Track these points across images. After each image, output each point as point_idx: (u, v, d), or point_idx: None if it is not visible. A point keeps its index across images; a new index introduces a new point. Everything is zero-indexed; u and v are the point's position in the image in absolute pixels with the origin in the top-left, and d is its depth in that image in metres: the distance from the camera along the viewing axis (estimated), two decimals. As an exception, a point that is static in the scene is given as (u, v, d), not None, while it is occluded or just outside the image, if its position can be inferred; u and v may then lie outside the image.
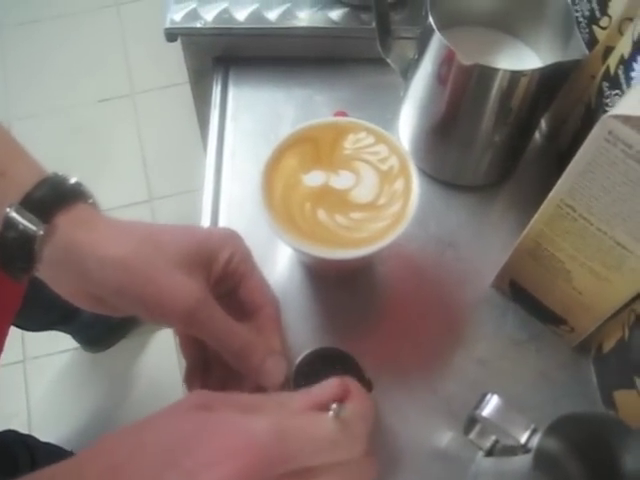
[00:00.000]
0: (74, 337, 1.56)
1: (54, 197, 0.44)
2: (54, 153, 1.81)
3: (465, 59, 0.59)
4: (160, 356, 1.59)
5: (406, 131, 0.73)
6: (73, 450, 1.32)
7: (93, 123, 1.90)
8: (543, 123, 0.75)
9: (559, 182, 0.50)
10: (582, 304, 0.57)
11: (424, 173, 0.71)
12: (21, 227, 0.42)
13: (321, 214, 0.56)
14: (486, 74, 0.59)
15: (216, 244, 0.48)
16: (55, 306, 1.31)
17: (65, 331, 1.48)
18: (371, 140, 0.60)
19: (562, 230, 0.53)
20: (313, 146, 0.59)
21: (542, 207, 0.53)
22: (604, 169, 0.45)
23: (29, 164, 0.46)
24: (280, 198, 0.57)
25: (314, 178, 0.57)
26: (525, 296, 0.63)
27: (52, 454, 1.26)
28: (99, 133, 1.88)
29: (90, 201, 0.47)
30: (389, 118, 0.74)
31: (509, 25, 0.68)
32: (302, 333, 0.62)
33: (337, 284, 0.65)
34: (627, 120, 0.41)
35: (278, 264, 0.67)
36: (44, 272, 0.44)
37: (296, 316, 0.63)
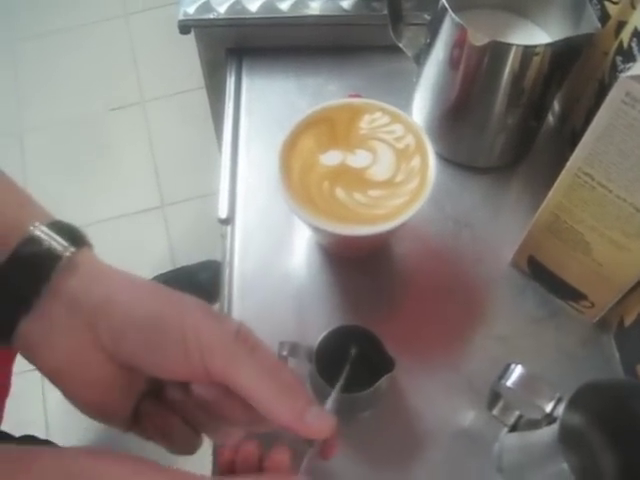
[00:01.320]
0: None
1: (77, 231, 0.41)
2: (66, 163, 1.85)
3: (477, 39, 0.59)
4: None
5: (420, 116, 0.73)
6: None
7: (105, 131, 1.91)
8: (556, 105, 0.75)
9: (576, 150, 0.50)
10: (602, 276, 0.57)
11: (439, 156, 0.71)
12: (46, 244, 0.38)
13: (339, 192, 0.56)
14: (499, 51, 0.59)
15: None
16: None
17: None
18: (386, 119, 0.60)
19: (581, 200, 0.53)
20: (329, 127, 0.60)
21: (559, 178, 0.54)
22: (622, 132, 0.45)
23: (41, 208, 0.42)
24: (298, 178, 0.57)
25: (331, 157, 0.58)
26: (544, 273, 0.63)
27: None
28: (111, 141, 1.89)
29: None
30: (403, 104, 0.73)
31: (520, 6, 0.68)
32: (323, 313, 0.63)
33: (356, 266, 0.65)
34: (645, 79, 0.42)
35: (296, 248, 0.67)
36: (38, 325, 0.38)
37: (316, 297, 0.64)
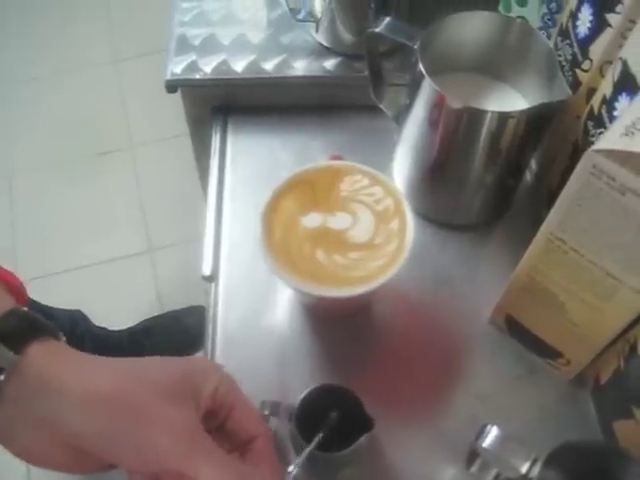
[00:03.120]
0: None
1: (26, 328, 0.39)
2: (54, 205, 1.85)
3: (455, 103, 0.61)
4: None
5: (400, 174, 0.75)
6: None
7: (92, 176, 1.92)
8: (533, 163, 0.77)
9: (549, 216, 0.52)
10: (577, 336, 0.58)
11: (419, 214, 0.73)
12: None
13: (320, 254, 0.58)
14: (475, 116, 0.61)
15: (199, 374, 0.43)
16: None
17: None
18: (366, 182, 0.62)
19: (554, 263, 0.54)
20: (310, 189, 0.61)
21: (534, 242, 0.55)
22: (591, 201, 0.47)
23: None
24: (280, 240, 0.58)
25: (312, 220, 0.59)
26: (521, 331, 0.64)
27: None
28: (98, 186, 1.91)
29: (62, 338, 0.42)
30: (384, 162, 0.76)
31: (496, 70, 0.71)
32: (304, 371, 0.63)
33: (337, 324, 0.66)
34: (609, 154, 0.43)
35: (279, 305, 0.68)
36: None
37: (298, 354, 0.65)
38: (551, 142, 0.71)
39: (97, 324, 1.50)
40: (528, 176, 0.78)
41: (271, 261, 0.57)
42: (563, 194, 0.49)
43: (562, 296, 0.56)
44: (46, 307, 1.27)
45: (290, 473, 0.52)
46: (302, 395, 0.56)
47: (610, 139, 0.45)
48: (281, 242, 0.58)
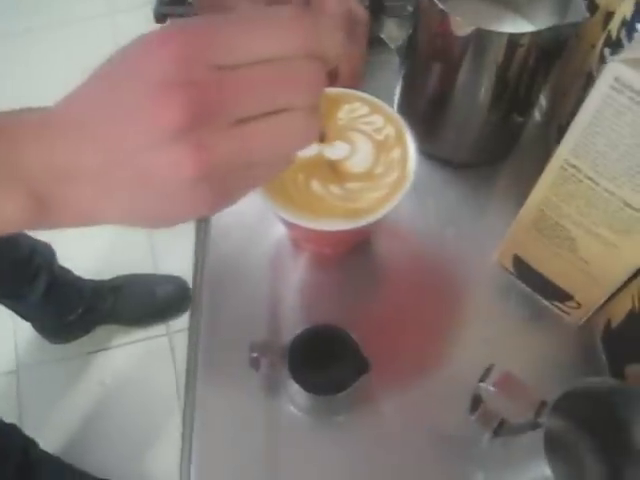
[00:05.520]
0: (32, 324, 1.54)
1: None
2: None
3: (461, 25, 0.57)
4: (153, 364, 1.56)
5: (403, 109, 0.70)
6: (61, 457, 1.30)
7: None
8: (543, 100, 0.73)
9: (562, 141, 0.48)
10: (589, 275, 0.54)
11: (421, 151, 0.69)
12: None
13: (315, 185, 0.54)
14: (483, 40, 0.57)
15: None
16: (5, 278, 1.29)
17: (14, 310, 1.44)
18: (366, 110, 0.58)
19: (567, 194, 0.50)
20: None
21: (545, 171, 0.51)
22: (610, 121, 0.43)
23: None
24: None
25: (307, 149, 0.55)
26: (529, 272, 0.60)
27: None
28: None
29: None
30: (385, 97, 0.72)
31: (506, -3, 0.66)
32: (297, 311, 0.60)
33: (333, 263, 0.63)
34: (635, 63, 0.39)
35: (270, 241, 0.64)
36: None
37: (291, 294, 0.61)
38: (563, 75, 0.67)
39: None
40: (537, 115, 0.74)
41: (263, 193, 0.53)
42: (579, 115, 0.45)
43: (574, 232, 0.53)
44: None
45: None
46: (294, 335, 0.53)
47: (634, 49, 0.41)
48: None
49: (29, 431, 1.22)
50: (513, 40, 0.56)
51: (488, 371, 0.48)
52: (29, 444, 1.19)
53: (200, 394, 0.57)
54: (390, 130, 0.56)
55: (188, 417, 0.57)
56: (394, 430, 0.56)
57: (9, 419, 1.14)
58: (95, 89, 0.33)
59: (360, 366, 0.51)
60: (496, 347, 0.59)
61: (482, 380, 0.48)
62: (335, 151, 0.55)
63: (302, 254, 0.64)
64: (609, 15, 0.58)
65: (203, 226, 0.65)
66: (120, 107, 0.32)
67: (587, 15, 0.56)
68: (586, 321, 0.60)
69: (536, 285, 0.61)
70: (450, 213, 0.66)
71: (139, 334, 1.59)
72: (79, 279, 1.51)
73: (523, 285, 0.62)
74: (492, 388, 0.47)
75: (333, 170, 0.54)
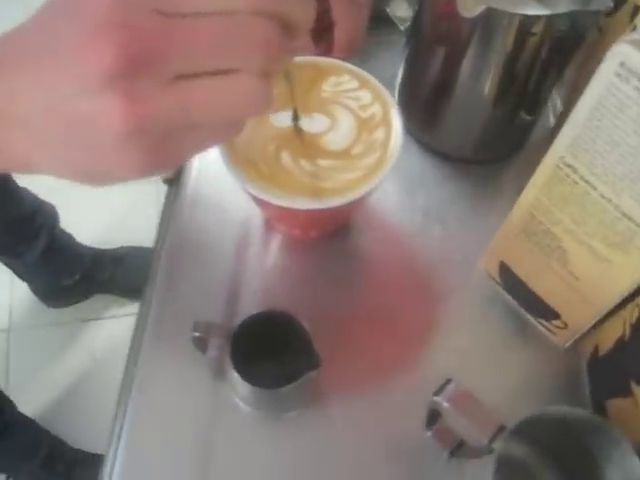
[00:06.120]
0: (28, 284, 1.52)
1: None
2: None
3: (471, 4, 0.51)
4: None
5: (404, 94, 0.65)
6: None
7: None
8: (558, 101, 0.67)
9: (558, 136, 0.42)
10: (578, 293, 0.49)
11: (420, 142, 0.64)
12: None
13: (285, 157, 0.49)
14: (493, 22, 0.52)
15: None
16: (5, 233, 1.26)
17: (12, 268, 1.41)
18: (354, 84, 0.53)
19: (560, 197, 0.45)
20: (287, 84, 0.52)
21: (538, 169, 0.46)
22: (612, 115, 0.37)
23: None
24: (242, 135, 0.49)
25: (283, 118, 0.50)
26: (515, 283, 0.54)
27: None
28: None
29: None
30: (389, 80, 0.66)
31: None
32: (257, 294, 0.55)
33: (306, 249, 0.58)
34: (643, 45, 0.34)
35: (245, 216, 0.60)
36: None
37: (255, 276, 0.56)
38: (581, 73, 0.61)
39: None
40: (551, 118, 0.68)
41: (227, 158, 0.48)
42: (577, 107, 0.40)
43: (566, 241, 0.47)
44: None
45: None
46: (243, 318, 0.48)
47: (646, 32, 0.36)
48: (243, 138, 0.49)
49: (13, 391, 1.20)
50: (526, 23, 0.51)
51: (444, 385, 0.43)
52: (5, 403, 1.17)
53: (141, 373, 0.53)
54: (377, 108, 0.51)
55: (124, 395, 0.52)
56: (345, 436, 0.51)
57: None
58: (32, 30, 0.31)
59: (310, 361, 0.47)
60: (469, 360, 0.53)
61: (437, 394, 0.43)
62: (313, 124, 0.50)
63: (275, 235, 0.59)
64: (637, 9, 0.52)
65: (174, 189, 0.61)
66: (53, 50, 0.29)
67: (611, 4, 0.50)
68: (573, 344, 0.54)
69: (521, 298, 0.55)
70: (441, 211, 0.61)
71: (134, 307, 1.56)
72: (80, 245, 1.49)
73: (508, 297, 0.56)
74: (446, 404, 0.42)
75: (308, 144, 0.49)
